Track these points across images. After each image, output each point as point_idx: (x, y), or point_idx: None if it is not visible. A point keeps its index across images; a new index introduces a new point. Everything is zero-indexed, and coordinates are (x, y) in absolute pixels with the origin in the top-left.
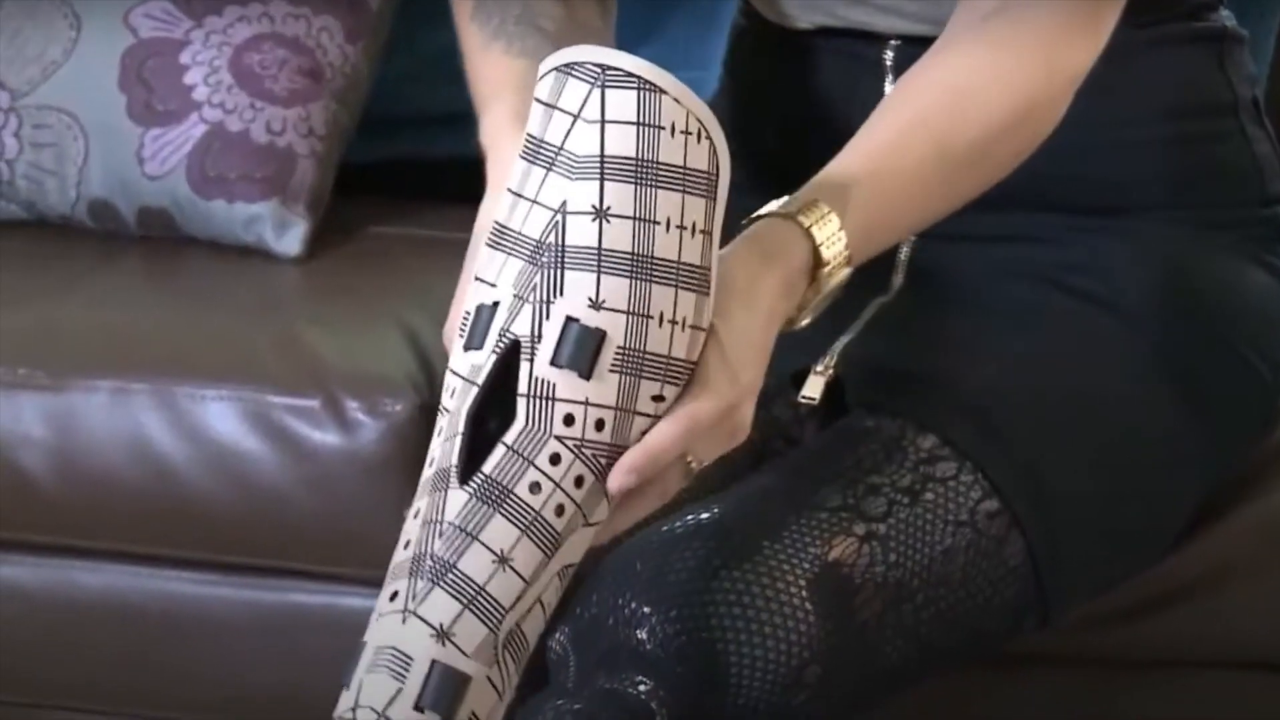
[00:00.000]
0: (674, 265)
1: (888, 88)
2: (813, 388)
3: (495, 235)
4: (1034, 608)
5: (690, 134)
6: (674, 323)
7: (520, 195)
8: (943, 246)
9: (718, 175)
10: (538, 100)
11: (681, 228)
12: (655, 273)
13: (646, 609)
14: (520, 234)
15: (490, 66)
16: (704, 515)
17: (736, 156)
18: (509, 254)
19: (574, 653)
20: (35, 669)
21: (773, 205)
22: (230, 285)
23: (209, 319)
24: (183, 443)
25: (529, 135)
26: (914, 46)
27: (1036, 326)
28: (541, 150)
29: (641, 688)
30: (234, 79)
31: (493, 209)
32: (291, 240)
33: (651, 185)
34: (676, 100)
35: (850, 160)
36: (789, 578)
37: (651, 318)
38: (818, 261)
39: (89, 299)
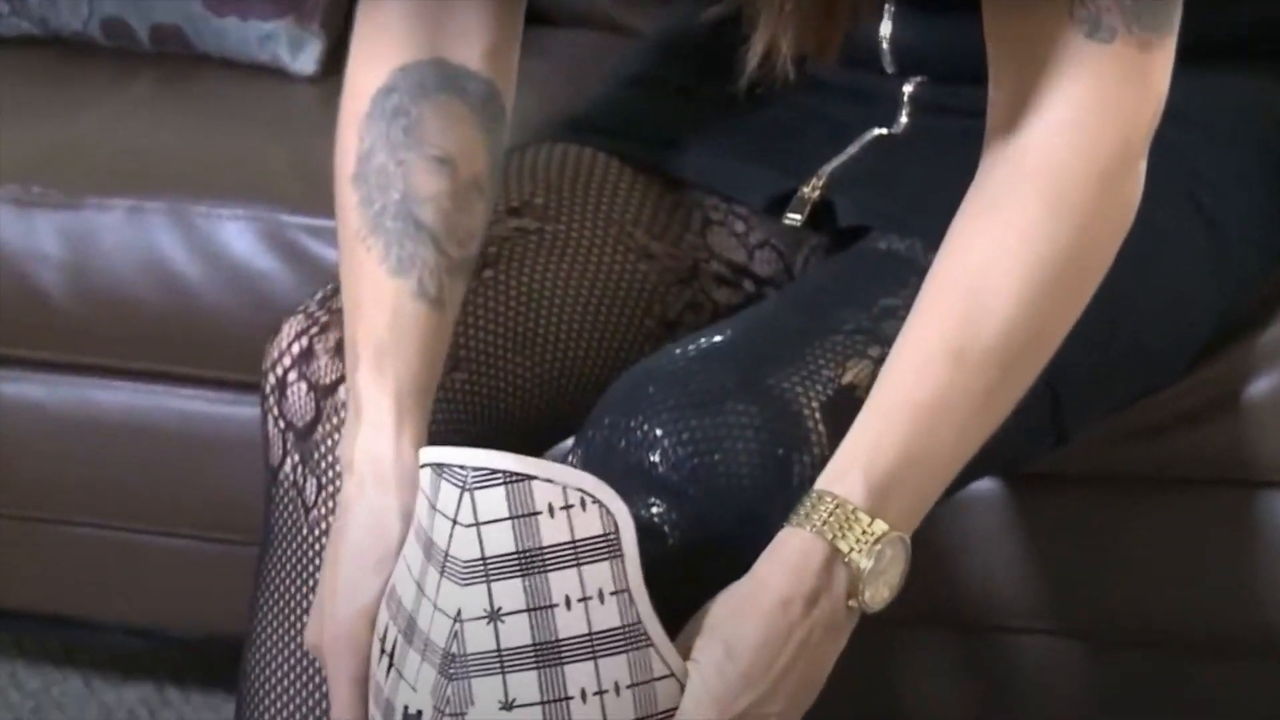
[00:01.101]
0: (586, 638)
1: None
2: (798, 208)
3: (407, 629)
4: (1050, 427)
5: (571, 506)
6: (602, 693)
7: (422, 591)
8: (953, 88)
9: (617, 531)
10: (422, 491)
11: (585, 599)
12: (565, 654)
13: (658, 431)
14: (429, 639)
15: (365, 278)
16: (716, 338)
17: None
18: (422, 655)
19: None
20: (52, 485)
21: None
22: (246, 104)
23: (224, 138)
24: (198, 261)
25: (419, 524)
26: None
27: None
28: (432, 550)
29: (654, 510)
30: None
31: (362, 447)
32: (307, 59)
33: (539, 572)
34: (549, 480)
35: (868, 420)
36: (803, 400)
37: (571, 698)
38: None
39: (103, 117)
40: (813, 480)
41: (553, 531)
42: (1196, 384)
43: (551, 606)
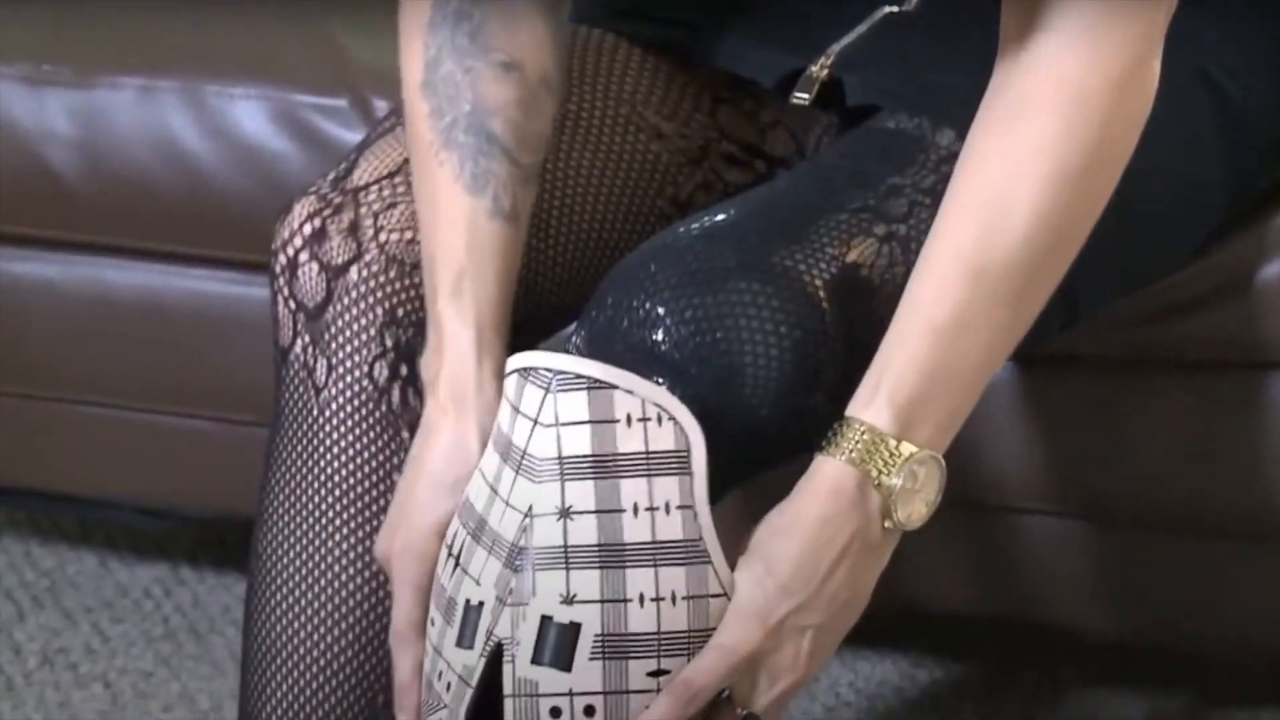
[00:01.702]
0: (649, 546)
1: None
2: (806, 87)
3: (476, 529)
4: (1061, 308)
5: (649, 419)
6: (659, 600)
7: (495, 491)
8: None
9: (689, 450)
10: (505, 398)
11: (652, 509)
12: (629, 558)
13: (661, 310)
14: (498, 534)
15: (440, 194)
16: (720, 217)
17: None
18: (489, 552)
19: (589, 356)
20: (66, 365)
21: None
22: None
23: (236, 17)
24: (210, 141)
25: (499, 428)
26: None
27: None
28: (510, 451)
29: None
30: None
31: (446, 374)
32: None
33: (612, 477)
34: (629, 391)
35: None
36: (806, 278)
37: (630, 600)
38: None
39: None
40: (816, 358)
41: (628, 440)
42: (1208, 267)
43: (620, 511)
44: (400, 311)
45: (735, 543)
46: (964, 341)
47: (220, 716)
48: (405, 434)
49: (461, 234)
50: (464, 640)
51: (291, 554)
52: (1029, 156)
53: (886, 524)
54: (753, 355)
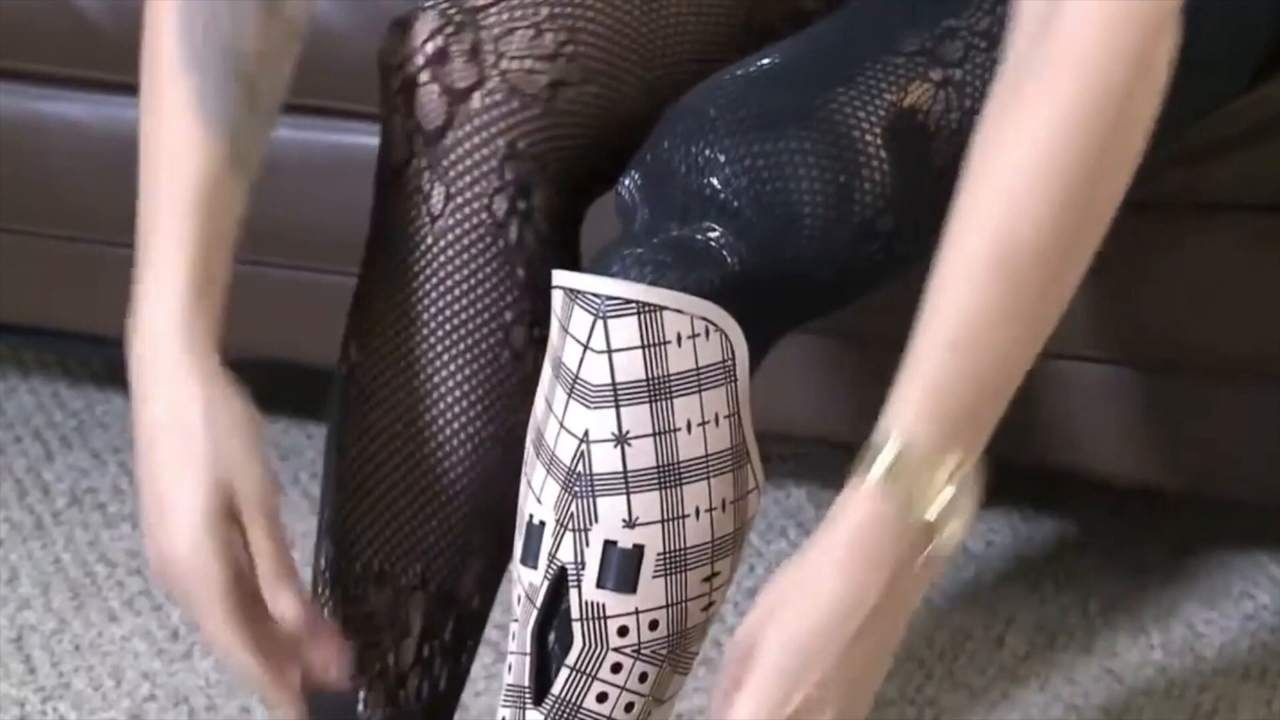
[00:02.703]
0: (702, 460)
1: None
2: None
3: (536, 439)
4: None
5: (698, 335)
6: (712, 510)
7: (550, 407)
8: None
9: (734, 357)
10: (554, 314)
11: (704, 423)
12: (684, 475)
13: (720, 156)
14: (555, 454)
15: (173, 121)
16: (776, 60)
17: None
18: (548, 470)
19: (643, 200)
20: (94, 206)
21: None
22: None
23: None
24: None
25: (551, 344)
26: None
27: None
28: (561, 370)
29: (712, 234)
30: None
31: (148, 328)
32: None
33: (666, 398)
34: (679, 311)
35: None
36: (864, 125)
37: (688, 516)
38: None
39: None
40: (873, 205)
41: (680, 360)
42: (1254, 102)
43: (675, 431)
44: (521, 144)
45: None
46: (1001, 340)
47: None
48: (520, 272)
49: (193, 172)
50: (528, 559)
51: (395, 384)
52: (1047, 136)
53: (933, 553)
54: (810, 203)
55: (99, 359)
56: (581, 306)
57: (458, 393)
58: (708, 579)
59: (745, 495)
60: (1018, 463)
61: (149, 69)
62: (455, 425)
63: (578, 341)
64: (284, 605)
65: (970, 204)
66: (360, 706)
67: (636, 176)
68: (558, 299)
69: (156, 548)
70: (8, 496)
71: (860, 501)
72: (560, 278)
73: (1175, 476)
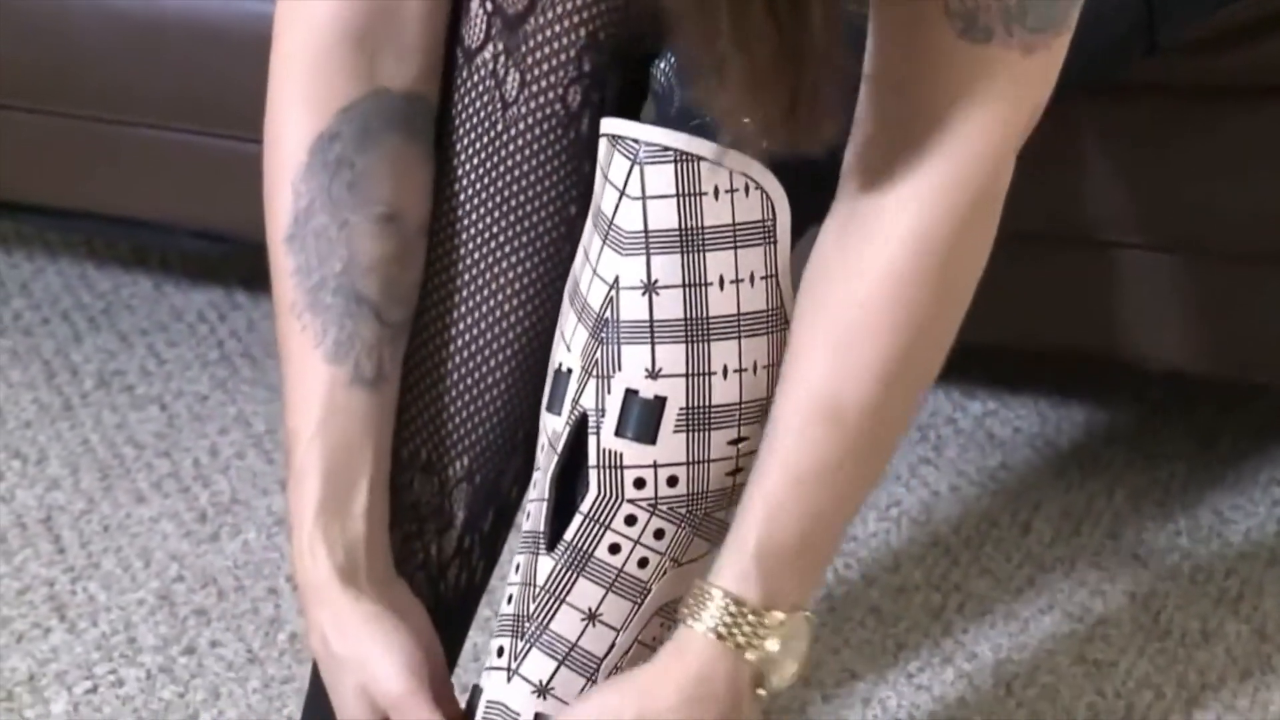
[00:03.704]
0: (733, 318)
1: None
2: None
3: (572, 289)
4: (1143, 35)
5: (736, 191)
6: (741, 371)
7: (586, 256)
8: None
9: (774, 218)
10: (598, 163)
11: (738, 281)
12: (713, 331)
13: None
14: (586, 301)
15: (297, 361)
16: None
17: None
18: (579, 318)
19: (679, 84)
20: (121, 87)
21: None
22: None
23: None
24: None
25: (594, 193)
26: None
27: None
28: (598, 218)
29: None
30: None
31: (295, 553)
32: None
33: (698, 251)
34: (718, 163)
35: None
36: None
37: (714, 373)
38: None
39: None
40: None
41: (715, 213)
42: None
43: (706, 285)
44: (602, 35)
45: None
46: (829, 489)
47: (275, 440)
48: (587, 166)
49: (315, 406)
50: (553, 405)
51: (459, 267)
52: (876, 291)
53: (759, 691)
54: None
55: (127, 241)
56: (621, 152)
57: (517, 285)
58: (734, 442)
59: (781, 363)
60: (1049, 349)
61: (277, 313)
62: (513, 318)
63: (615, 187)
64: None
65: (803, 351)
66: None
67: (672, 60)
68: (602, 146)
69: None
70: (36, 378)
71: (698, 646)
72: (606, 124)
73: (1207, 361)
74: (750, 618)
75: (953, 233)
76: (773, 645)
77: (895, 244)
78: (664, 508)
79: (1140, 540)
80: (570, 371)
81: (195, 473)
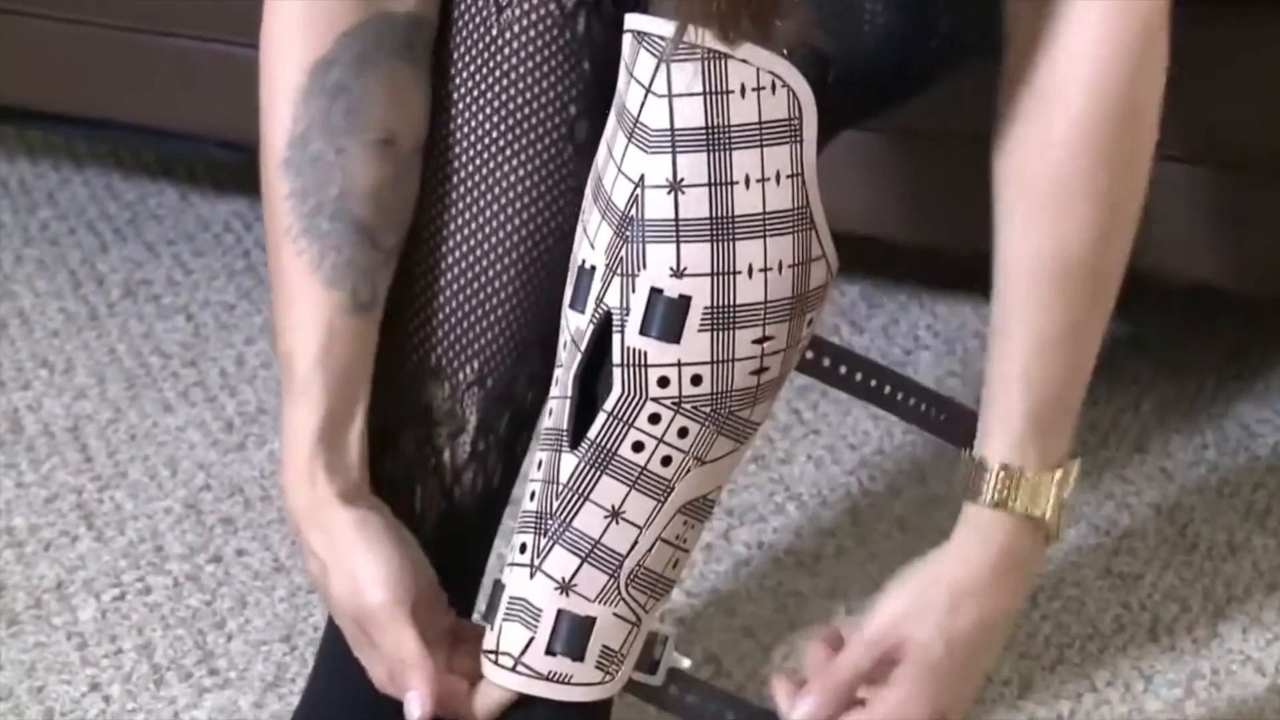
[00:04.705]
0: (759, 217)
1: None
2: None
3: (595, 186)
4: None
5: (763, 89)
6: (767, 270)
7: (610, 153)
8: None
9: (800, 116)
10: (622, 59)
11: (764, 180)
12: (739, 230)
13: None
14: (610, 199)
15: (296, 287)
16: None
17: None
18: (603, 215)
19: None
20: None
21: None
22: None
23: None
24: None
25: (618, 90)
26: None
27: None
28: (624, 115)
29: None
30: None
31: (286, 479)
32: None
33: (724, 149)
34: (744, 61)
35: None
36: None
37: (739, 272)
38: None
39: None
40: (936, 4)
41: (742, 112)
42: None
43: (731, 184)
44: None
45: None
46: (1074, 346)
47: None
48: (586, 65)
49: (315, 333)
50: (576, 303)
51: (460, 174)
52: (1069, 143)
53: (1048, 545)
54: (873, 3)
55: (152, 151)
56: (647, 49)
57: (519, 188)
58: (759, 341)
59: (808, 262)
60: None
61: (269, 235)
62: (516, 221)
63: (640, 85)
64: (408, 704)
65: (1016, 220)
66: (415, 504)
67: None
68: (627, 43)
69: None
70: (63, 287)
71: (987, 520)
72: (631, 20)
73: (1234, 275)
74: (1031, 479)
75: (1125, 72)
76: (1053, 500)
77: (1076, 100)
78: (688, 406)
79: (1167, 453)
80: (594, 269)
81: (221, 382)
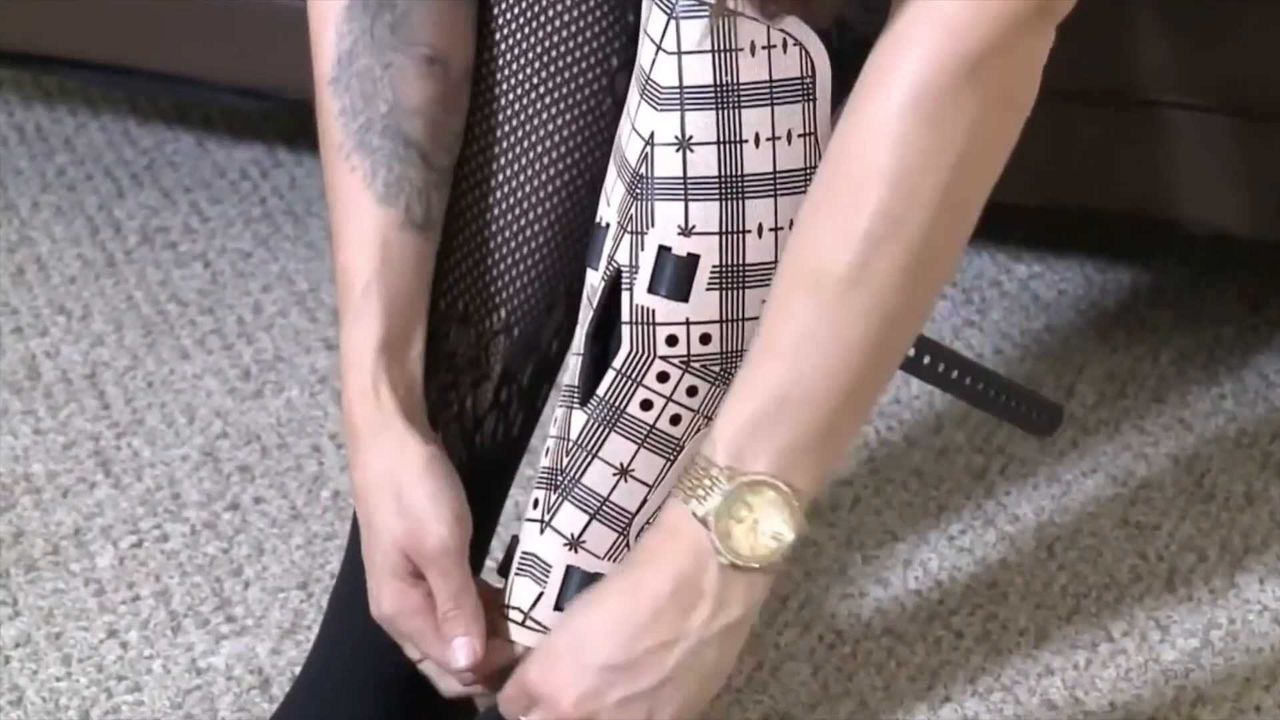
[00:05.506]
0: (769, 176)
1: None
2: None
3: (617, 143)
4: None
5: (774, 47)
6: (777, 229)
7: (627, 111)
8: None
9: (814, 75)
10: (642, 17)
11: (774, 139)
12: (748, 189)
13: None
14: (624, 157)
15: (350, 203)
16: None
17: None
18: (618, 173)
19: None
20: None
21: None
22: None
23: None
24: None
25: (639, 47)
26: None
27: None
28: (638, 72)
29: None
30: None
31: (347, 398)
32: None
33: (733, 108)
34: (755, 18)
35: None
36: None
37: (749, 232)
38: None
39: None
40: None
41: (752, 70)
42: None
43: (741, 142)
44: None
45: None
46: (806, 362)
47: (318, 298)
48: (630, 16)
49: (371, 249)
50: (592, 260)
51: (500, 118)
52: (852, 158)
53: (721, 560)
54: None
55: (169, 97)
56: (659, 5)
57: (556, 138)
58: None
59: None
60: (1094, 211)
61: (324, 155)
62: (551, 171)
63: (652, 41)
64: (454, 651)
65: (802, 216)
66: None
67: None
68: (643, 2)
69: (375, 608)
70: (79, 234)
71: (668, 501)
72: None
73: (1254, 224)
74: (712, 473)
75: (947, 90)
76: (715, 500)
77: (884, 98)
78: (697, 365)
79: (1185, 404)
80: (608, 226)
81: (239, 330)
